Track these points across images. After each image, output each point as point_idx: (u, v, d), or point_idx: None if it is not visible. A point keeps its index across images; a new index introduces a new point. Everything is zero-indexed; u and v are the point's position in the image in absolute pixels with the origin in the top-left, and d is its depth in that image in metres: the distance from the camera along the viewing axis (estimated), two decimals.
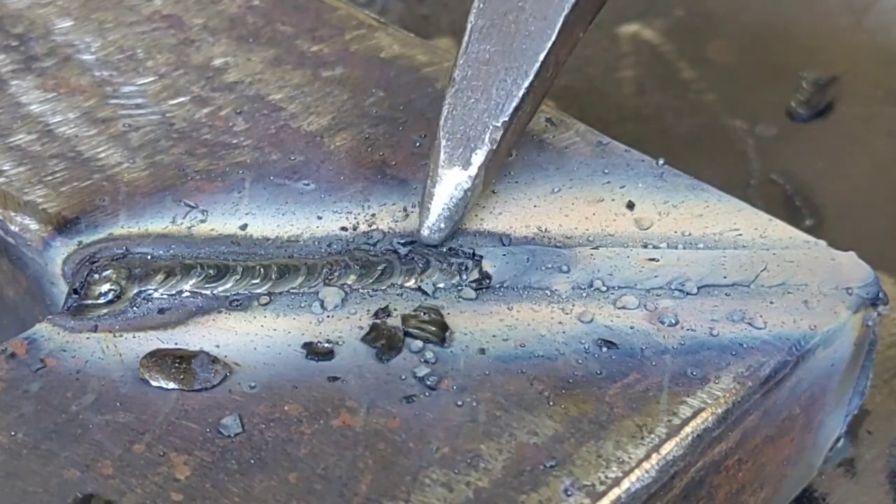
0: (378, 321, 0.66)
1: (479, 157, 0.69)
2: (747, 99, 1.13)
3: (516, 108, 0.69)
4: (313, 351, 0.64)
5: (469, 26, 0.70)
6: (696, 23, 1.22)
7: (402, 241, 0.70)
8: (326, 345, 0.64)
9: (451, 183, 0.69)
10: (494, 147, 0.69)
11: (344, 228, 0.71)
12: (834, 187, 1.05)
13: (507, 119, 0.69)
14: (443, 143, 0.69)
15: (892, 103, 1.13)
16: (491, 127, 0.69)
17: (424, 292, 0.68)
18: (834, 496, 0.78)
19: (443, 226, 0.69)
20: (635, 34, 1.21)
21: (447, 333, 0.65)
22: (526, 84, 0.69)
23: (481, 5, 0.69)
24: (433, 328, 0.65)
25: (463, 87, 0.69)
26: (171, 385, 0.62)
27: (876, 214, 1.03)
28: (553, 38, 0.69)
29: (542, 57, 0.69)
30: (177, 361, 0.63)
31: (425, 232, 0.69)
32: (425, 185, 0.69)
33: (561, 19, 0.69)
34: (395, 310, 0.66)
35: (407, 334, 0.65)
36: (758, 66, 1.16)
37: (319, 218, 0.71)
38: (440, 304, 0.67)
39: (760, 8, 1.22)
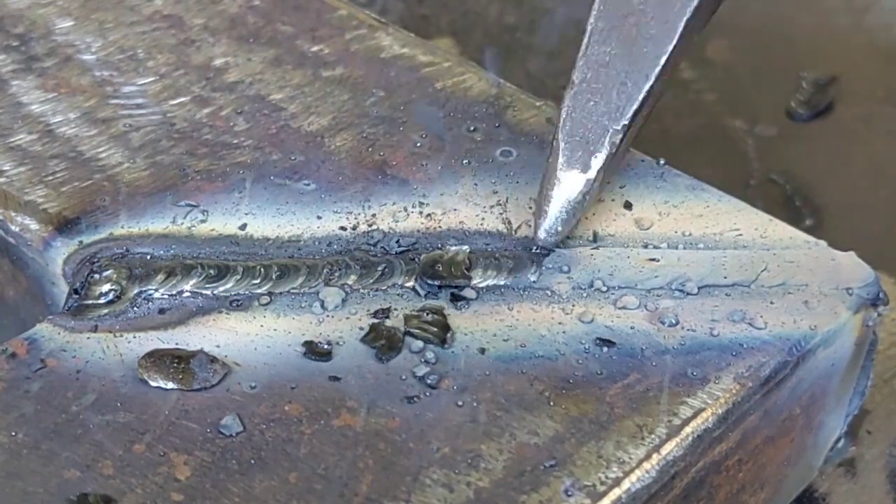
0: (378, 321, 0.66)
1: (598, 161, 0.68)
2: (747, 99, 1.13)
3: (636, 112, 0.69)
4: (313, 351, 0.64)
5: (589, 28, 0.69)
6: None
7: (402, 243, 0.70)
8: (327, 345, 0.64)
9: (569, 186, 0.68)
10: (614, 150, 0.68)
11: (344, 228, 0.71)
12: (834, 187, 1.05)
13: (627, 122, 0.68)
14: (562, 145, 0.68)
15: (892, 103, 1.13)
16: (611, 130, 0.68)
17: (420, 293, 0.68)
18: (834, 496, 0.78)
19: (560, 228, 0.69)
20: None
21: (448, 334, 0.65)
22: (646, 87, 0.68)
23: (602, 7, 0.69)
24: (435, 329, 0.65)
25: (582, 90, 0.69)
26: (170, 385, 0.62)
27: (876, 214, 1.03)
28: (674, 41, 0.68)
29: (662, 60, 0.68)
30: (175, 361, 0.63)
31: (542, 234, 0.69)
32: (541, 188, 0.69)
33: (682, 23, 0.68)
34: (396, 310, 0.66)
35: (408, 334, 0.65)
36: (758, 66, 1.16)
37: (319, 218, 0.71)
38: (441, 304, 0.67)
39: (760, 8, 1.22)
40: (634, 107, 0.68)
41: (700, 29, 0.70)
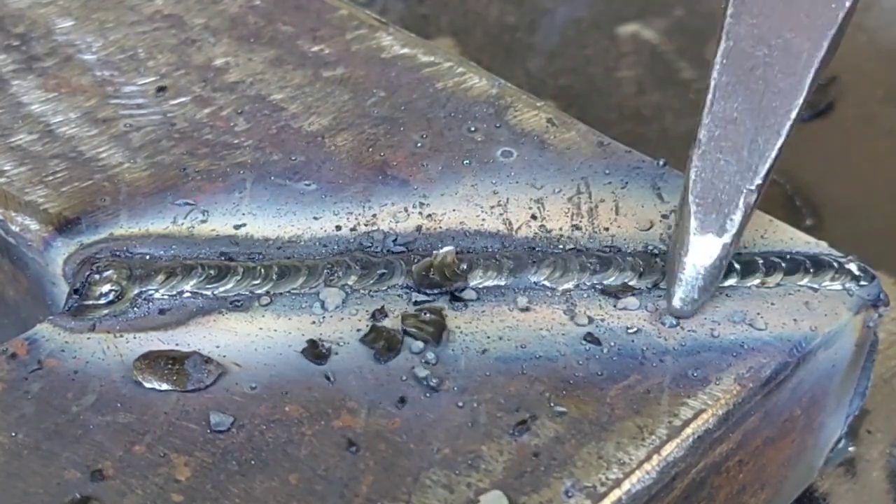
0: (378, 322, 0.66)
1: (734, 224, 0.65)
2: None
3: (769, 170, 0.66)
4: (314, 352, 0.64)
5: (712, 83, 0.66)
6: (696, 23, 1.22)
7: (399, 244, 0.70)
8: (327, 346, 0.64)
9: (705, 251, 0.65)
10: (748, 211, 0.66)
11: (343, 228, 0.71)
12: (834, 187, 1.05)
13: (760, 182, 0.65)
14: (693, 208, 0.65)
15: (892, 103, 1.13)
16: (745, 191, 0.65)
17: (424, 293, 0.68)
18: (834, 496, 0.78)
19: (696, 297, 0.66)
20: (635, 34, 1.21)
21: (444, 333, 0.65)
22: (779, 144, 0.65)
23: (725, 61, 0.66)
24: (431, 328, 0.65)
25: (711, 149, 0.66)
26: (165, 386, 0.62)
27: (876, 214, 1.03)
28: (804, 94, 0.65)
29: (794, 115, 0.65)
30: (170, 363, 0.63)
31: (677, 304, 0.66)
32: (673, 253, 0.67)
33: (811, 76, 0.66)
34: (394, 311, 0.66)
35: (406, 334, 0.65)
36: None
37: (319, 218, 0.71)
38: (441, 304, 0.67)
39: None
40: (767, 165, 0.65)
41: (822, 75, 0.67)
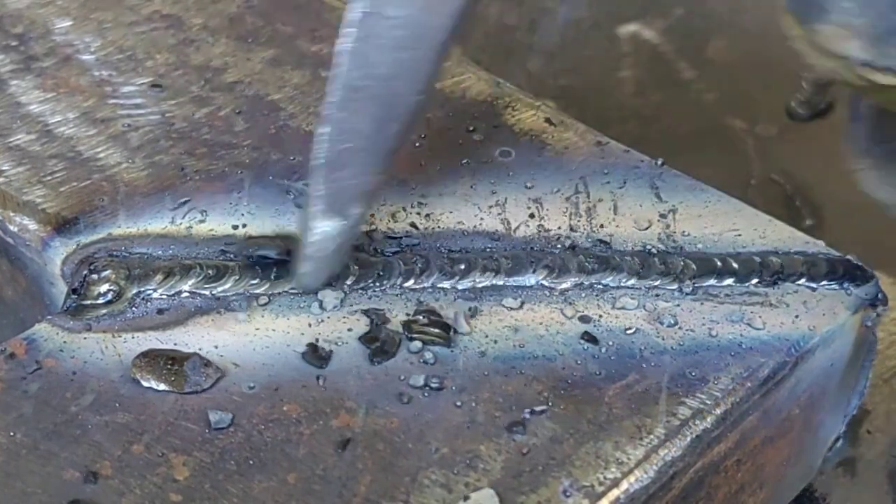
0: (376, 322, 0.66)
1: (357, 206, 0.66)
2: (747, 99, 1.13)
3: (391, 152, 0.66)
4: (313, 353, 0.64)
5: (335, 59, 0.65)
6: (696, 23, 1.22)
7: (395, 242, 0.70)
8: (325, 345, 0.64)
9: (328, 233, 0.66)
10: (372, 194, 0.67)
11: None
12: (834, 187, 1.05)
13: (382, 165, 0.66)
14: (317, 192, 0.66)
15: None
16: (368, 174, 0.66)
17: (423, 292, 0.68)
18: (834, 496, 0.78)
19: (320, 275, 0.67)
20: (635, 34, 1.21)
21: (450, 333, 0.65)
22: (397, 128, 0.65)
23: (349, 38, 0.64)
24: (436, 330, 0.65)
25: (334, 131, 0.65)
26: (162, 386, 0.62)
27: (876, 214, 1.03)
28: (423, 80, 0.65)
29: (413, 100, 0.65)
30: (169, 363, 0.63)
31: (302, 281, 0.67)
32: (301, 233, 0.67)
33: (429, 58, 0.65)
34: (392, 311, 0.66)
35: (410, 339, 0.65)
36: (758, 66, 1.16)
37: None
38: (438, 304, 0.67)
39: (760, 8, 1.22)
40: (389, 147, 0.65)
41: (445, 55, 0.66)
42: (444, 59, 0.65)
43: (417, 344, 0.64)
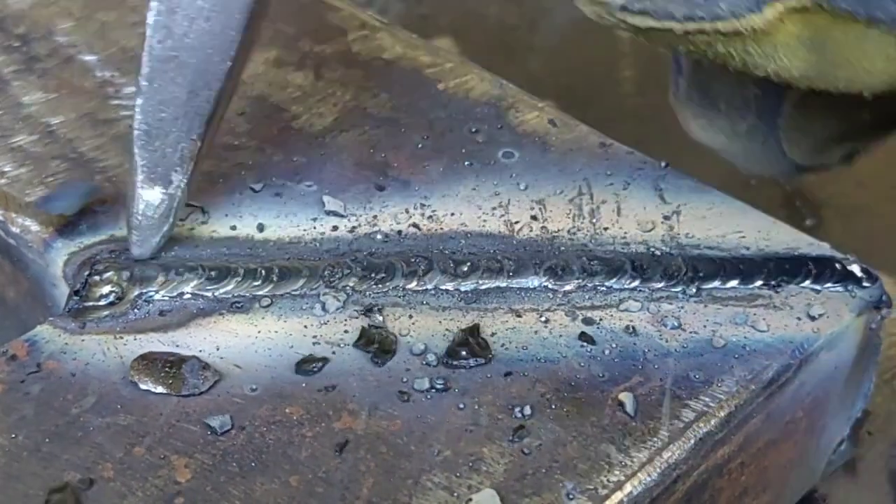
0: (377, 324, 0.66)
1: (178, 174, 0.67)
2: None
3: (211, 117, 0.67)
4: (313, 356, 0.64)
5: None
6: None
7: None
8: (327, 347, 0.64)
9: (152, 202, 0.67)
10: (194, 161, 0.68)
11: (343, 229, 0.71)
12: (834, 187, 1.05)
13: (201, 131, 0.67)
14: (139, 161, 0.67)
15: None
16: (188, 141, 0.67)
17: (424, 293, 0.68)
18: (834, 497, 0.78)
19: (153, 243, 0.68)
20: None
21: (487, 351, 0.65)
22: (215, 93, 0.67)
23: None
24: (479, 347, 0.65)
25: (152, 100, 0.66)
26: (159, 389, 0.62)
27: (876, 214, 1.03)
28: (233, 46, 0.67)
29: (226, 66, 0.67)
30: (167, 365, 0.62)
31: (135, 251, 0.68)
32: (128, 204, 0.68)
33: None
34: (394, 312, 0.66)
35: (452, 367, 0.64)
36: None
37: (320, 220, 0.71)
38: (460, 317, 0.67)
39: None
40: (207, 112, 0.67)
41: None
42: (252, 24, 0.67)
43: (420, 346, 0.64)
